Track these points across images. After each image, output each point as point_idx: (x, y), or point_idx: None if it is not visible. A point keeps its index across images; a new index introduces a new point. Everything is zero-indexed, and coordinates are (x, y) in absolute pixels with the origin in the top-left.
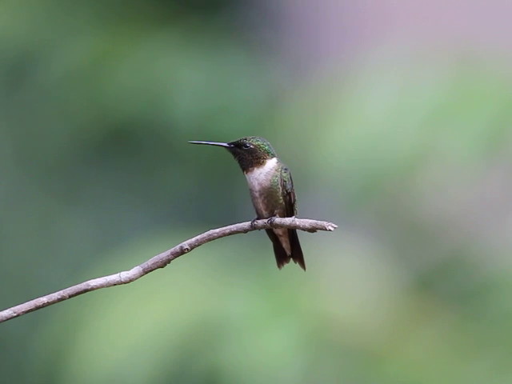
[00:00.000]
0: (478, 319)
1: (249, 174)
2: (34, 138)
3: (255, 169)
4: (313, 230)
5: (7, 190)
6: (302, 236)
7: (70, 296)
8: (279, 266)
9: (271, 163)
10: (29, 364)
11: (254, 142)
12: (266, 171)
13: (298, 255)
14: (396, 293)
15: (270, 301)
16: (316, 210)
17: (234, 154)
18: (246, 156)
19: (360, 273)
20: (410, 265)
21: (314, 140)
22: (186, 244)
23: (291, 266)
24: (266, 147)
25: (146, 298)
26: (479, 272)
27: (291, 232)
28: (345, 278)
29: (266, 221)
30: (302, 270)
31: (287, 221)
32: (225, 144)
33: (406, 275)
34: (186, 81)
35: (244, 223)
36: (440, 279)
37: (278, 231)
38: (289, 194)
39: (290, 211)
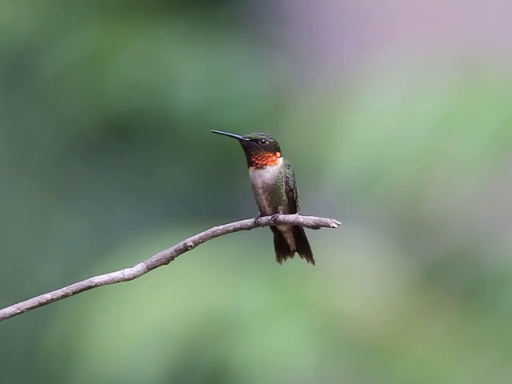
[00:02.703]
0: (486, 312)
1: (256, 170)
2: (29, 134)
3: (266, 166)
4: (316, 226)
5: (1, 186)
6: (307, 231)
7: (74, 293)
8: (279, 261)
9: (280, 162)
10: (38, 359)
11: (268, 138)
12: (274, 170)
13: (305, 250)
14: (404, 286)
15: (279, 295)
16: (322, 204)
17: (248, 148)
18: (262, 152)
19: (368, 267)
20: (417, 258)
21: (321, 136)
22: (189, 241)
23: (300, 260)
24: (278, 145)
25: (156, 292)
26: (487, 265)
27: (296, 228)
28: (353, 272)
29: (269, 218)
30: (311, 264)
31: (291, 218)
32: (240, 136)
33: (413, 269)
34: (188, 73)
35: (247, 220)
36: (447, 273)
37: (283, 228)
38: (291, 190)
39: (293, 207)
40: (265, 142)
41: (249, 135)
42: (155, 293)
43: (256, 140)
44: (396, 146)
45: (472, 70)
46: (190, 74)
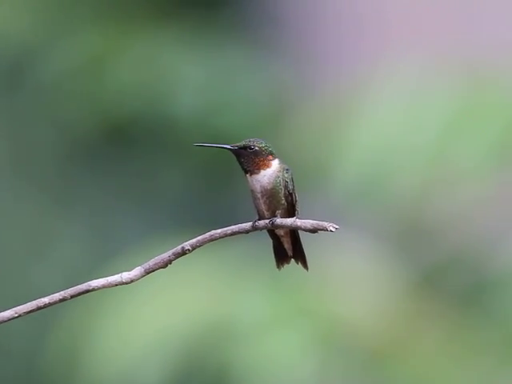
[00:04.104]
0: (485, 317)
1: (253, 176)
2: (28, 140)
3: (261, 171)
4: (314, 230)
5: (1, 192)
6: (306, 236)
7: (72, 296)
8: (278, 267)
9: (275, 165)
10: (41, 366)
11: (258, 143)
12: (270, 174)
13: (299, 255)
14: (403, 292)
15: (280, 303)
16: (321, 209)
17: (238, 156)
18: (252, 158)
19: (367, 273)
20: (416, 264)
21: (321, 140)
22: (187, 244)
23: (301, 268)
24: (270, 149)
25: (157, 300)
26: (485, 270)
27: (293, 232)
28: (352, 279)
29: (267, 221)
30: (305, 270)
31: (288, 221)
32: (228, 146)
33: (412, 274)
34: (187, 77)
35: (245, 224)
36: (446, 278)
37: (280, 232)
38: (290, 194)
39: (291, 212)
40: (253, 149)
41: (237, 143)
42: (157, 301)
43: (244, 147)
44: (398, 151)
45: (475, 76)
46: (189, 78)
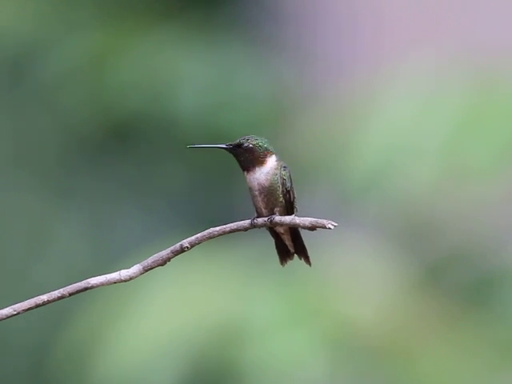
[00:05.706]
0: (488, 314)
1: (250, 174)
2: (31, 133)
3: (256, 168)
4: (313, 228)
5: (2, 184)
6: (311, 234)
7: (71, 294)
8: (282, 263)
9: (272, 162)
10: (50, 366)
11: (252, 141)
12: (267, 171)
13: (301, 252)
14: (408, 290)
15: (290, 303)
16: (320, 207)
17: (235, 154)
18: (247, 156)
19: (373, 271)
20: (419, 261)
21: (323, 138)
22: (186, 242)
23: (308, 268)
24: (266, 145)
25: (168, 300)
26: (489, 267)
27: (293, 229)
28: (359, 277)
29: (265, 219)
30: (309, 267)
31: (287, 219)
32: (223, 145)
33: (417, 271)
34: (188, 75)
35: (244, 221)
36: (450, 275)
37: (280, 229)
38: (288, 192)
39: (290, 209)
40: (247, 146)
41: (232, 142)
42: (168, 302)
43: (239, 145)
44: (406, 147)
45: (486, 76)
46: (191, 76)
